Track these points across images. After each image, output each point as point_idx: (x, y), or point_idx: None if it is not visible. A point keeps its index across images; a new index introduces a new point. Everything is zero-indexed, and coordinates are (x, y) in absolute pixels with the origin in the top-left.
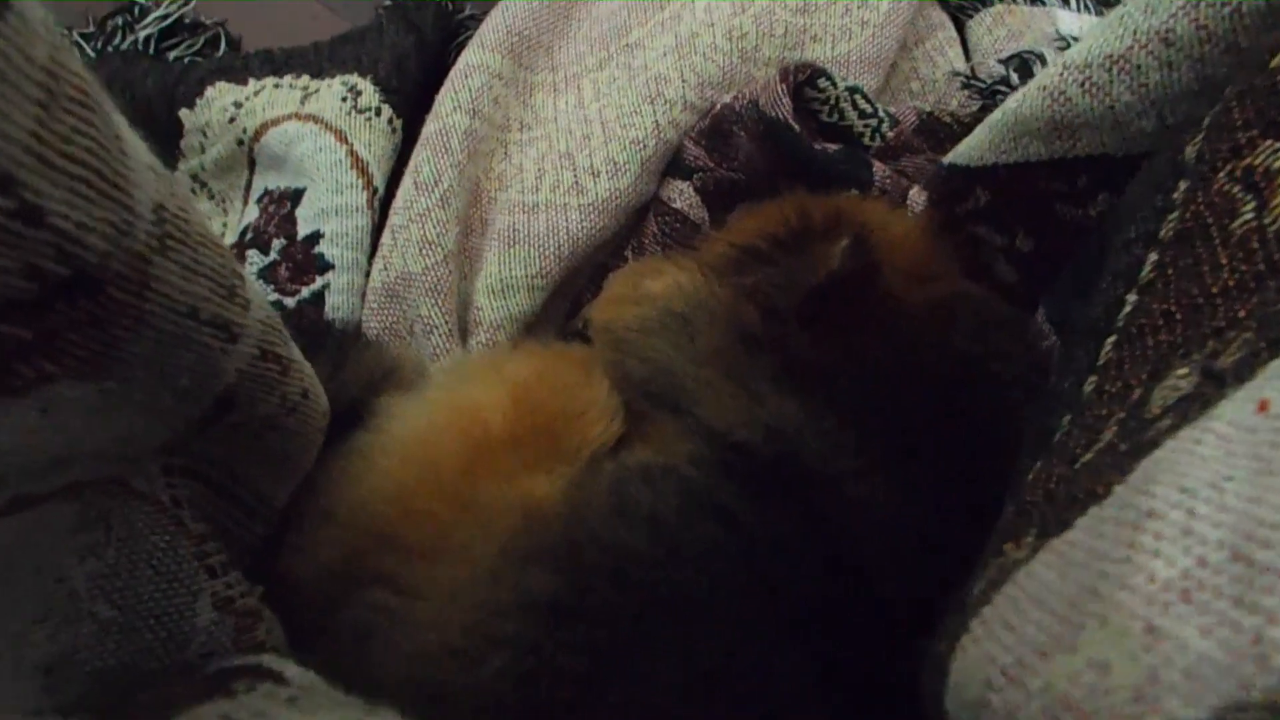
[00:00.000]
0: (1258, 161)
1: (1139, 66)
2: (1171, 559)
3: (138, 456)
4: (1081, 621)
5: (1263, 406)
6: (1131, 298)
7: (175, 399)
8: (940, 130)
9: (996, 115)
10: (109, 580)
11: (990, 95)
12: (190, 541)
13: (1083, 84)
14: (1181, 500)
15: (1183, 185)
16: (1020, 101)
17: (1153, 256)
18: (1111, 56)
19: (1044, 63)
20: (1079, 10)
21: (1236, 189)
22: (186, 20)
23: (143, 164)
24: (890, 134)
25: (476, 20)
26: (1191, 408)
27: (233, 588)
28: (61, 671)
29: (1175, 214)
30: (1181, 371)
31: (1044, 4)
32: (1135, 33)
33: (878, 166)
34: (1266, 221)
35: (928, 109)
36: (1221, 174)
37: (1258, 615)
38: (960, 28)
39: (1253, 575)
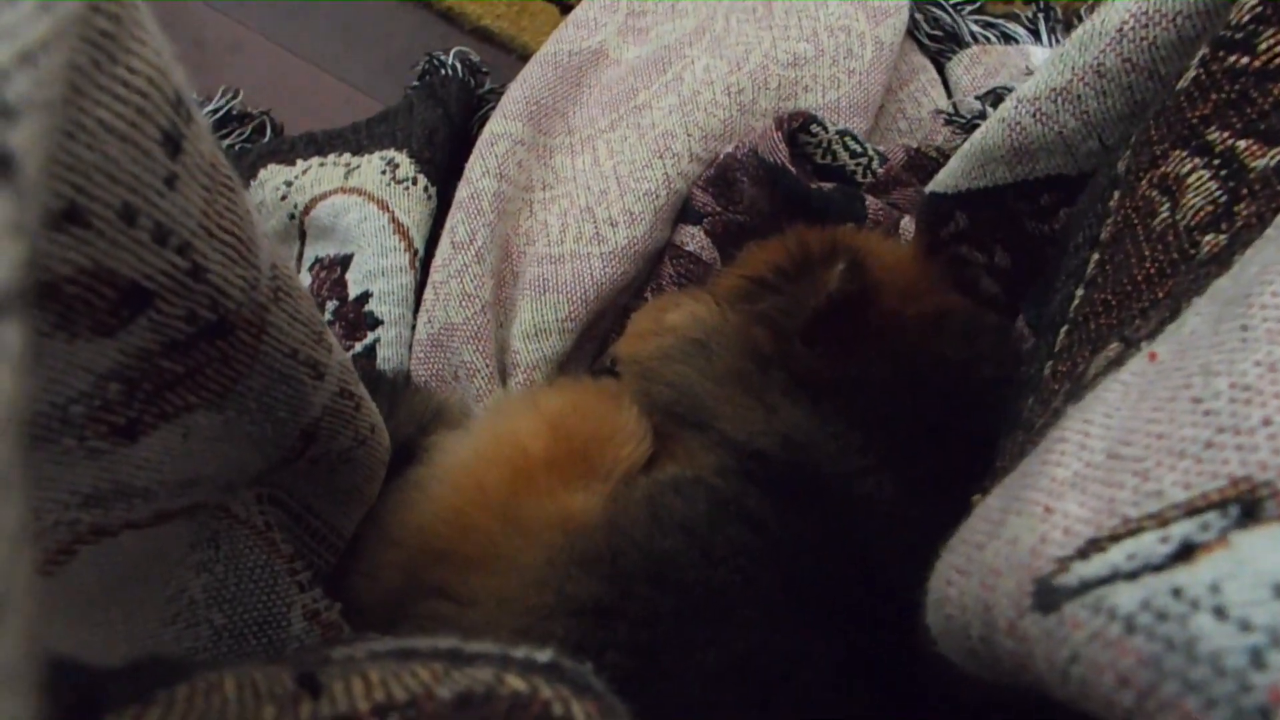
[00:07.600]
0: (1169, 169)
1: (1079, 96)
2: (1068, 465)
3: (237, 485)
4: (1005, 519)
5: (1152, 357)
6: (1080, 292)
7: (273, 429)
8: (928, 164)
9: (965, 146)
10: (220, 592)
11: (971, 129)
12: (282, 560)
13: (1034, 114)
14: (1083, 427)
15: (1116, 194)
16: (984, 133)
17: (1095, 256)
18: (1056, 89)
19: None
20: (1050, 44)
21: (1155, 193)
22: (235, 112)
23: (261, 232)
24: (880, 170)
25: (496, 94)
26: (1111, 367)
27: (318, 602)
28: None
29: (1111, 218)
30: (1113, 345)
31: (1017, 42)
32: (1073, 67)
33: (870, 200)
34: (1178, 218)
35: (915, 145)
36: (1143, 182)
37: (1114, 488)
38: (941, 69)
39: (1116, 464)
